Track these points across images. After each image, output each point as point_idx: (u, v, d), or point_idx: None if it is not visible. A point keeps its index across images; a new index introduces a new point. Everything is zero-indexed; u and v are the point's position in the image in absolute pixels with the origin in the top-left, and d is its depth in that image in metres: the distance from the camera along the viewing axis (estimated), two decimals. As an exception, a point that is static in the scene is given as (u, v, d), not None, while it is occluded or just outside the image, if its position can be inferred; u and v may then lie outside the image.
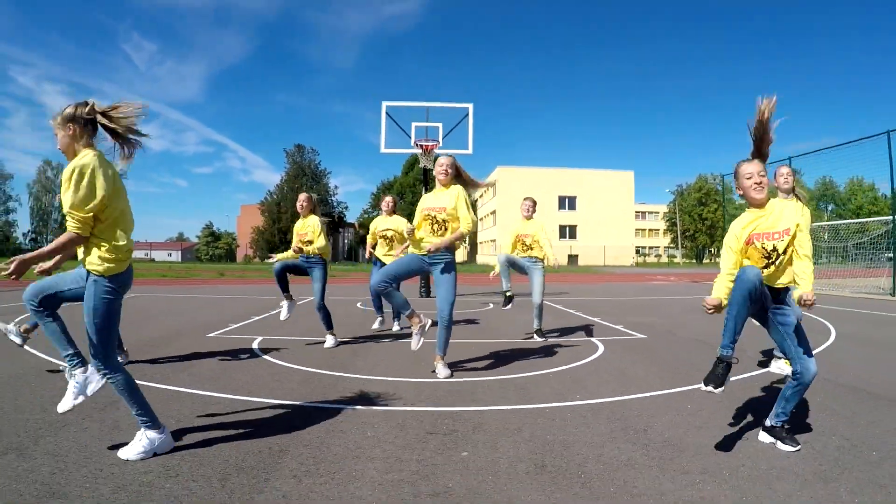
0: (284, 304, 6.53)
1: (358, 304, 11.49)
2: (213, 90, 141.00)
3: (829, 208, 73.53)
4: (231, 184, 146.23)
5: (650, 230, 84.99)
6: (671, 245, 78.88)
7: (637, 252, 72.37)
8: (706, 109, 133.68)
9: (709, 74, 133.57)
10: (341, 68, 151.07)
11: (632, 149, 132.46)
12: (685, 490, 2.53)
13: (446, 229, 4.82)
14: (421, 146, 13.97)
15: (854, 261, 19.86)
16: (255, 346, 6.34)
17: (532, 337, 7.02)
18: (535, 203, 7.12)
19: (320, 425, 3.44)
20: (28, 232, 79.62)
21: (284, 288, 6.48)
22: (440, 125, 14.16)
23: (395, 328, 7.74)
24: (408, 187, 70.49)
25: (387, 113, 14.08)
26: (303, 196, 6.61)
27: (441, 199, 4.86)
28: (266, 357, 5.70)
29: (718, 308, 2.96)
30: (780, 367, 5.16)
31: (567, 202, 63.89)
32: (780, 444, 3.05)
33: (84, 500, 2.36)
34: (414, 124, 14.17)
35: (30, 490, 2.43)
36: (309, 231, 6.37)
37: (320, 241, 6.32)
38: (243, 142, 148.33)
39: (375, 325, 7.83)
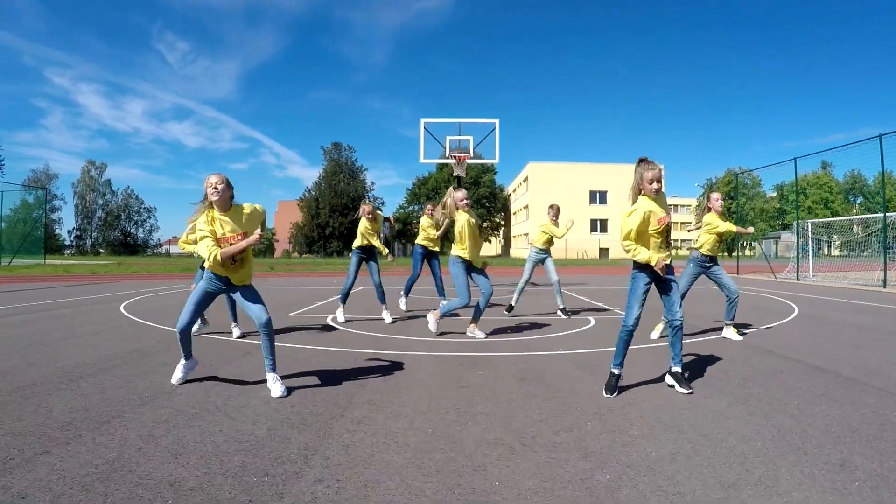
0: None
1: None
2: (245, 87, 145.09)
3: (859, 201, 73.57)
4: (267, 179, 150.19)
5: (681, 223, 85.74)
6: (701, 238, 79.44)
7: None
8: (735, 102, 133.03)
9: (737, 67, 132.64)
10: (373, 63, 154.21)
11: (662, 143, 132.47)
12: (604, 389, 4.45)
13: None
14: (454, 157, 15.97)
15: (880, 253, 20.67)
16: (329, 321, 8.38)
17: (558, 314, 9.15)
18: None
19: (391, 361, 5.47)
20: (73, 230, 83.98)
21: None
22: (471, 138, 16.16)
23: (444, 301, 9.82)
24: (442, 182, 72.66)
25: (425, 128, 16.14)
26: (369, 207, 8.53)
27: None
28: (342, 328, 7.75)
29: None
30: (731, 334, 6.96)
31: (598, 196, 65.35)
32: (678, 387, 4.38)
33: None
34: (448, 137, 16.19)
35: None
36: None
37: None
38: (277, 137, 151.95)
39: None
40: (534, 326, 7.92)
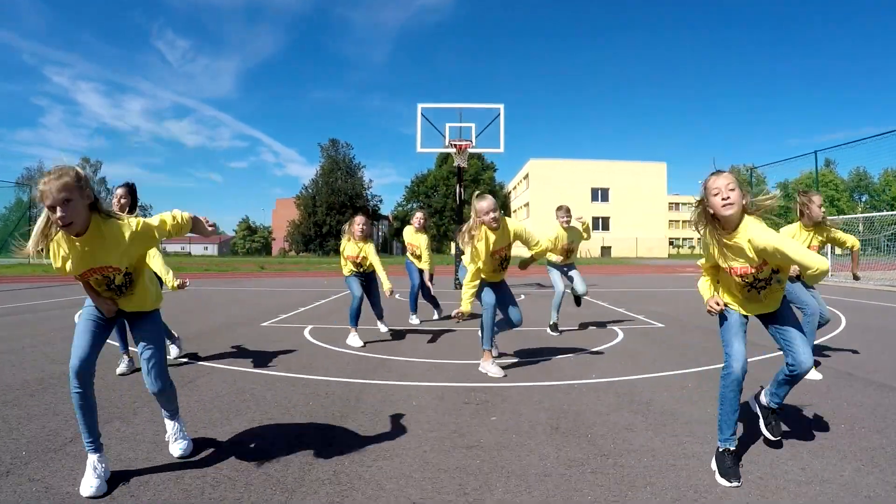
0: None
1: (396, 296, 12.17)
2: (245, 85, 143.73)
3: (863, 199, 72.28)
4: (266, 178, 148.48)
5: (684, 221, 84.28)
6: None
7: (671, 244, 72.19)
8: (739, 99, 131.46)
9: (738, 65, 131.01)
10: (374, 62, 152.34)
11: (664, 140, 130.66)
12: (672, 448, 3.12)
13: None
14: (455, 146, 14.61)
15: (888, 253, 19.73)
16: (306, 333, 7.06)
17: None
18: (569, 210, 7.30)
19: (373, 397, 4.13)
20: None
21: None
22: (473, 125, 14.78)
23: (434, 316, 8.46)
24: (441, 180, 71.23)
25: (422, 114, 14.72)
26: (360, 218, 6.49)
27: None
28: (318, 342, 6.42)
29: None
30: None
31: (600, 194, 63.94)
32: (763, 428, 3.17)
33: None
34: (448, 125, 14.82)
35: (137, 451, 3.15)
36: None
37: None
38: (276, 136, 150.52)
39: (415, 321, 8.31)
40: (552, 342, 6.59)
